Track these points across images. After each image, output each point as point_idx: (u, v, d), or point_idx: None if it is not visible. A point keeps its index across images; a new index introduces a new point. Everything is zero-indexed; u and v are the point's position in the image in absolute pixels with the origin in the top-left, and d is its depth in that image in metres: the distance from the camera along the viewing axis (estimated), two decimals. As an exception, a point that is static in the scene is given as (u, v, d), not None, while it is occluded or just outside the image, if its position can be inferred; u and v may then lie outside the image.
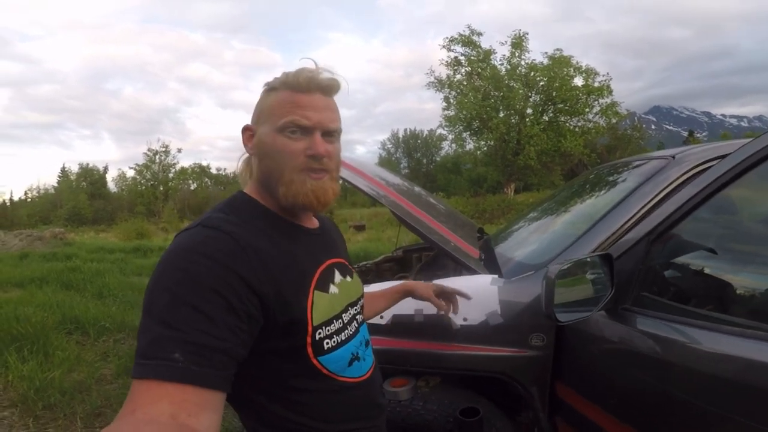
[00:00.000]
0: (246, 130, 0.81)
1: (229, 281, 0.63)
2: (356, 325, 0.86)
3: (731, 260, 1.07)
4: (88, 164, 51.68)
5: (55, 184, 49.97)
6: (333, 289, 0.81)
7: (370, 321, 1.40)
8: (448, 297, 1.25)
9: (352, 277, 0.90)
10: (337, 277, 0.84)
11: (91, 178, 50.38)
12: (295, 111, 0.73)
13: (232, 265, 0.64)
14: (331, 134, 0.77)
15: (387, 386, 1.39)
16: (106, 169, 52.86)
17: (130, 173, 47.60)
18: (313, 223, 0.87)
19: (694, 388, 0.87)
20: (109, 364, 3.43)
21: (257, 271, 0.67)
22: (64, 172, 51.08)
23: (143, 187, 45.74)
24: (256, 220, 0.75)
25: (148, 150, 45.92)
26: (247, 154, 0.84)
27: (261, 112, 0.78)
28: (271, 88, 0.78)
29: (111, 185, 51.16)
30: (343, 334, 0.80)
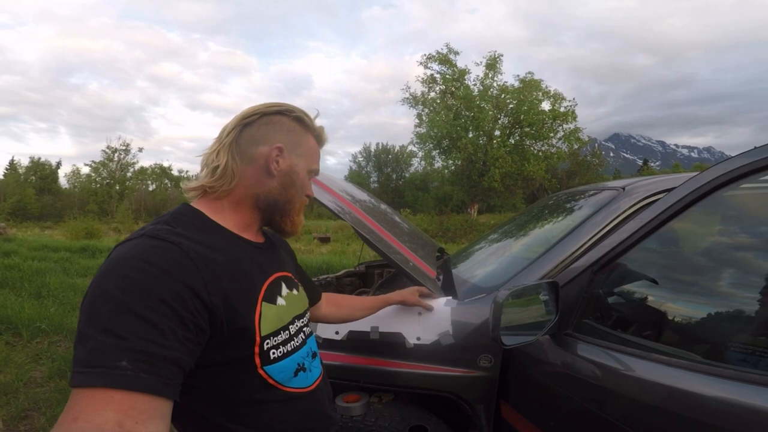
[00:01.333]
0: (279, 149, 0.81)
1: (177, 291, 0.62)
2: (303, 337, 0.87)
3: (665, 291, 1.13)
4: (39, 158, 48.87)
5: (1, 177, 46.71)
6: (280, 301, 0.82)
7: (326, 336, 1.42)
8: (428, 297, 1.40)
9: (298, 290, 0.92)
10: (284, 289, 0.85)
11: (41, 173, 47.62)
12: (318, 162, 0.90)
13: (181, 275, 0.64)
14: None
15: (340, 401, 1.39)
16: (59, 164, 50.30)
17: (85, 170, 45.39)
18: (260, 238, 0.88)
19: (625, 414, 0.92)
20: (41, 366, 3.28)
21: (207, 283, 0.66)
22: (12, 165, 47.99)
23: (98, 185, 43.62)
24: (203, 233, 0.74)
25: (107, 147, 44.03)
26: (223, 163, 0.78)
27: (298, 145, 0.85)
28: (304, 126, 0.86)
29: (63, 181, 48.49)
30: (289, 344, 0.81)
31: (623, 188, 1.50)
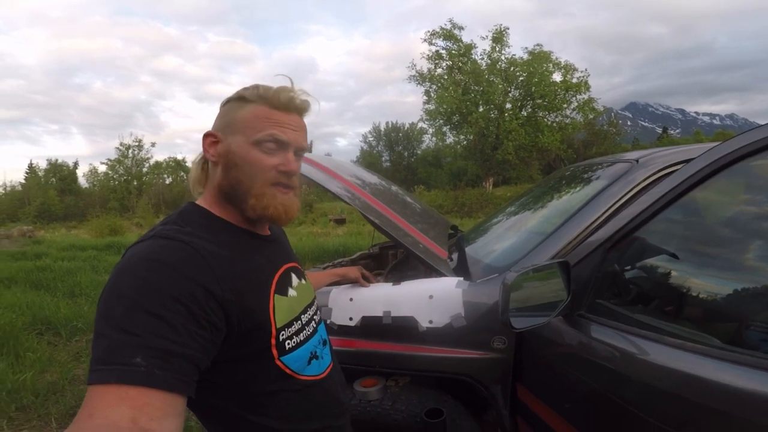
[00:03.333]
0: (209, 136, 0.79)
1: (190, 290, 0.63)
2: (314, 326, 0.89)
3: (681, 271, 1.08)
4: (56, 160, 49.82)
5: (23, 181, 47.99)
6: (291, 292, 0.83)
7: (340, 323, 1.44)
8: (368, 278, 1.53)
9: (305, 280, 0.93)
10: (294, 280, 0.86)
11: (60, 174, 48.61)
12: (274, 126, 0.76)
13: (193, 274, 0.64)
14: (300, 153, 0.81)
15: (358, 386, 1.42)
16: (76, 164, 51.06)
17: (102, 168, 46.27)
18: (266, 230, 0.88)
19: (639, 400, 0.89)
20: (83, 364, 3.41)
21: (219, 280, 0.67)
22: (31, 168, 49.15)
23: (116, 183, 44.55)
24: (211, 230, 0.75)
25: (120, 144, 44.72)
26: (200, 160, 0.84)
27: (232, 122, 0.77)
28: (243, 100, 0.78)
29: (82, 181, 49.52)
30: (302, 334, 0.82)
31: (637, 160, 1.44)
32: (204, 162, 0.84)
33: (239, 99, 0.79)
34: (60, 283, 5.90)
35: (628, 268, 1.17)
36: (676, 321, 0.98)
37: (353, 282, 1.50)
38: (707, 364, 0.79)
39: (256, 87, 0.78)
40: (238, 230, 0.80)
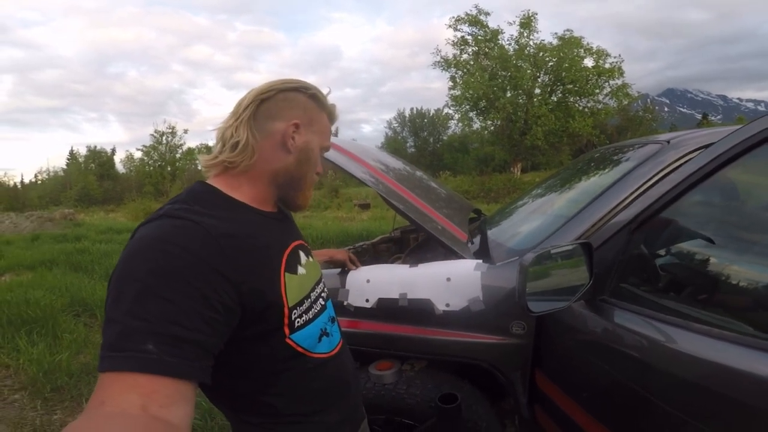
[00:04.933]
0: (296, 125, 0.80)
1: (202, 272, 0.62)
2: (322, 303, 0.89)
3: (713, 255, 1.01)
4: (95, 146, 52.04)
5: (64, 167, 50.46)
6: (301, 270, 0.83)
7: (357, 305, 1.44)
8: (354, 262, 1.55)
9: (312, 257, 0.93)
10: (303, 258, 0.86)
11: (99, 160, 50.77)
12: (329, 139, 0.89)
13: (204, 254, 0.63)
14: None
15: (372, 369, 1.41)
16: (113, 150, 53.18)
17: (138, 154, 47.94)
18: (274, 208, 0.87)
19: (664, 391, 0.84)
20: None
21: (230, 261, 0.66)
22: (72, 155, 51.49)
23: (151, 168, 46.07)
24: (220, 209, 0.74)
25: (155, 131, 46.18)
26: (243, 138, 0.77)
27: (314, 121, 0.84)
28: (319, 103, 0.85)
29: (119, 166, 51.60)
30: (311, 312, 0.82)
31: (668, 141, 1.37)
32: (249, 139, 0.78)
33: (314, 100, 0.84)
34: (97, 266, 6.05)
35: (656, 250, 1.11)
36: (708, 307, 0.92)
37: (341, 264, 1.53)
38: (741, 353, 0.73)
39: (323, 94, 0.86)
40: (247, 209, 0.79)
